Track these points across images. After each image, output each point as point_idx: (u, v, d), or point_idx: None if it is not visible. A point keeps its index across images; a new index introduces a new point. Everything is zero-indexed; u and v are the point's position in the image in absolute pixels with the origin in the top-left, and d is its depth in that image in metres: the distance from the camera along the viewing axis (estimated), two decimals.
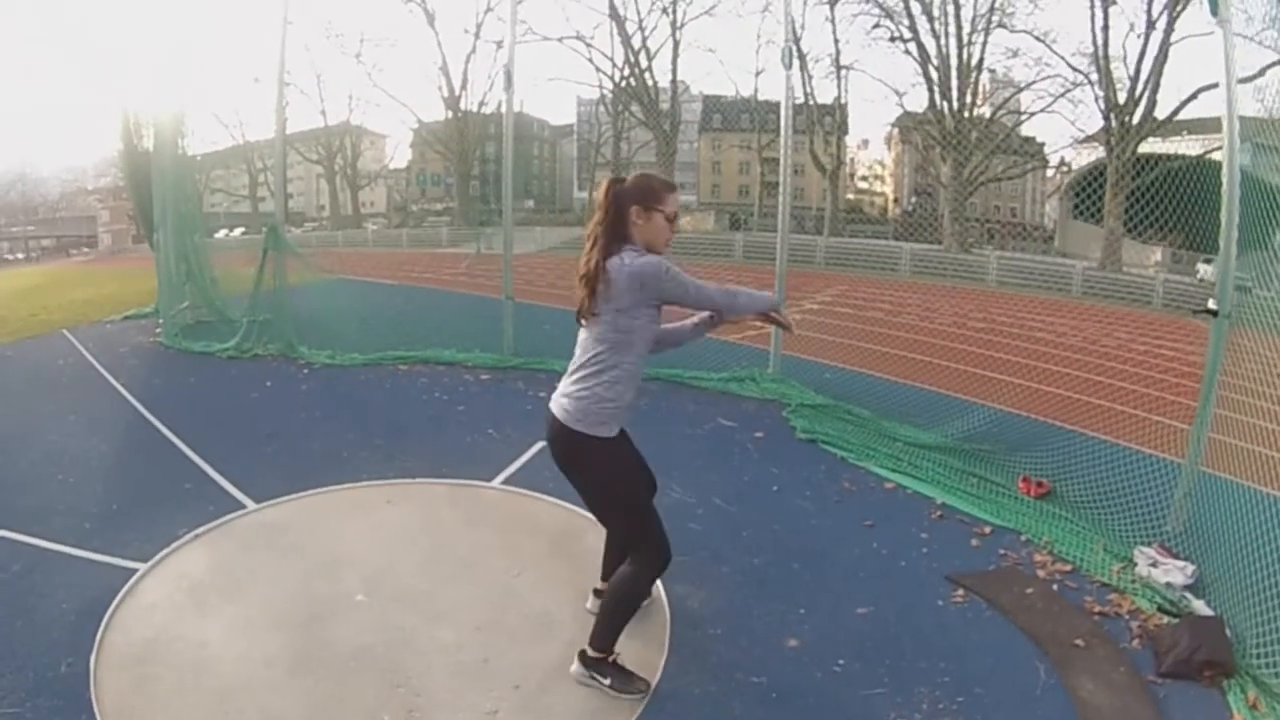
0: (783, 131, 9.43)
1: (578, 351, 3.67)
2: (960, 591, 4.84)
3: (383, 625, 4.36)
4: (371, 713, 3.69)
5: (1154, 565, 5.10)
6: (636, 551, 3.76)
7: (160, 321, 13.85)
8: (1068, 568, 5.21)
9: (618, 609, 3.79)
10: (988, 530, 5.73)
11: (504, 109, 10.79)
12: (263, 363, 11.11)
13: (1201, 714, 3.82)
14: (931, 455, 7.13)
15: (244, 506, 6.02)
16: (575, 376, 3.64)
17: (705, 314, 3.93)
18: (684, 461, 6.65)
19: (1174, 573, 4.99)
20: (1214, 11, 5.32)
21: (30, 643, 4.29)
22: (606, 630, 3.79)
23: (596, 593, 4.43)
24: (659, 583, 4.41)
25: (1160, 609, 4.66)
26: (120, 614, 4.53)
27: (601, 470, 3.68)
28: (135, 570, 5.01)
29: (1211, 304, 5.46)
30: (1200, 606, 4.67)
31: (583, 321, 3.63)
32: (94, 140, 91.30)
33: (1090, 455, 6.91)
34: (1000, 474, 6.76)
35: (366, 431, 7.86)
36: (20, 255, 75.16)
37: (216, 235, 45.86)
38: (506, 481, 6.50)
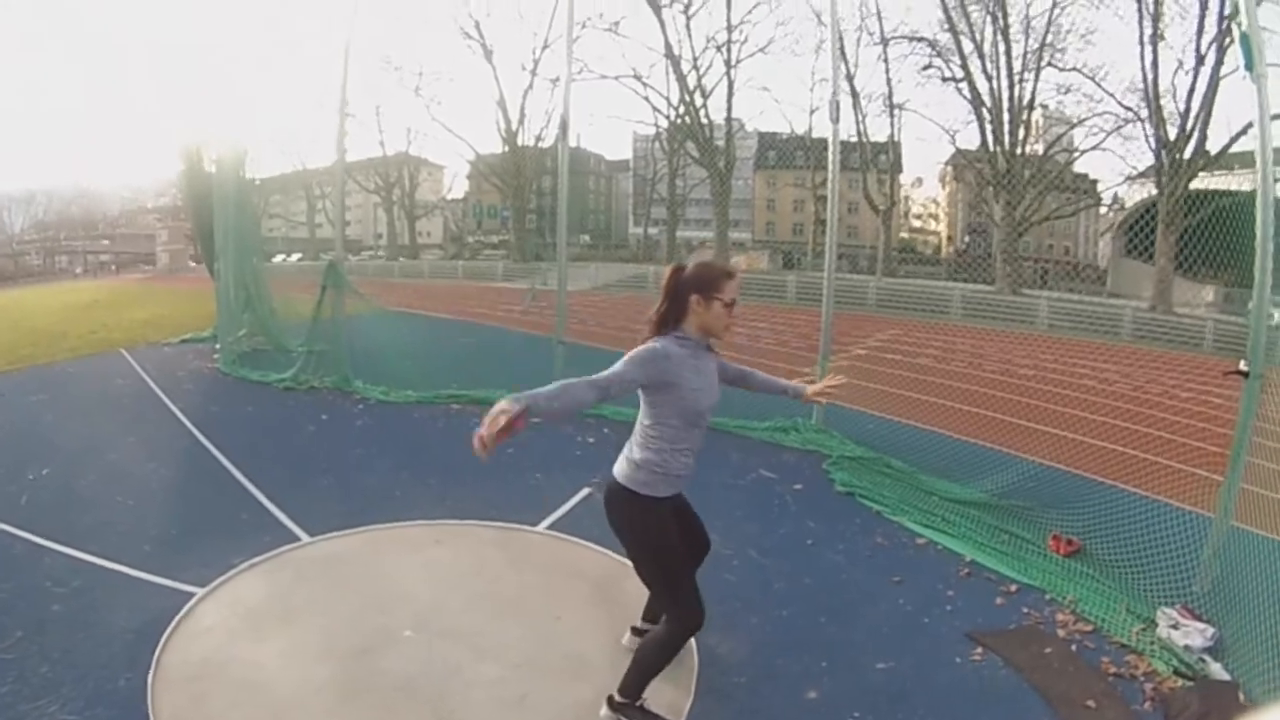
0: (830, 181, 9.60)
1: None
2: (979, 649, 4.92)
3: (429, 659, 4.58)
4: None
5: (1174, 627, 5.09)
6: (669, 613, 3.93)
7: (218, 347, 14.22)
8: (1089, 628, 5.24)
9: (647, 662, 3.95)
10: (1013, 588, 5.79)
11: (559, 154, 10.98)
12: (318, 395, 11.41)
13: None
14: (965, 511, 7.18)
15: (299, 539, 6.29)
16: (631, 439, 3.90)
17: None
18: (724, 512, 6.75)
19: (1194, 635, 4.98)
20: (1249, 67, 5.34)
21: (90, 656, 4.56)
22: (636, 680, 3.97)
23: (635, 631, 4.66)
24: (693, 640, 4.56)
25: (1176, 672, 4.66)
26: (177, 635, 4.79)
27: (639, 529, 3.85)
28: (193, 594, 5.29)
29: (1243, 365, 5.50)
30: (1217, 670, 4.67)
31: None
32: (155, 160, 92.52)
33: (1123, 510, 6.89)
34: (1031, 531, 6.77)
35: (419, 471, 8.09)
36: (80, 269, 76.34)
37: (274, 260, 46.41)
38: (551, 526, 6.71)
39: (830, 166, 9.50)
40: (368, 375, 11.76)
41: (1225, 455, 5.77)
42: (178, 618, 4.97)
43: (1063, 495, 7.46)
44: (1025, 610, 5.49)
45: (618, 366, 3.61)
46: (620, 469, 3.88)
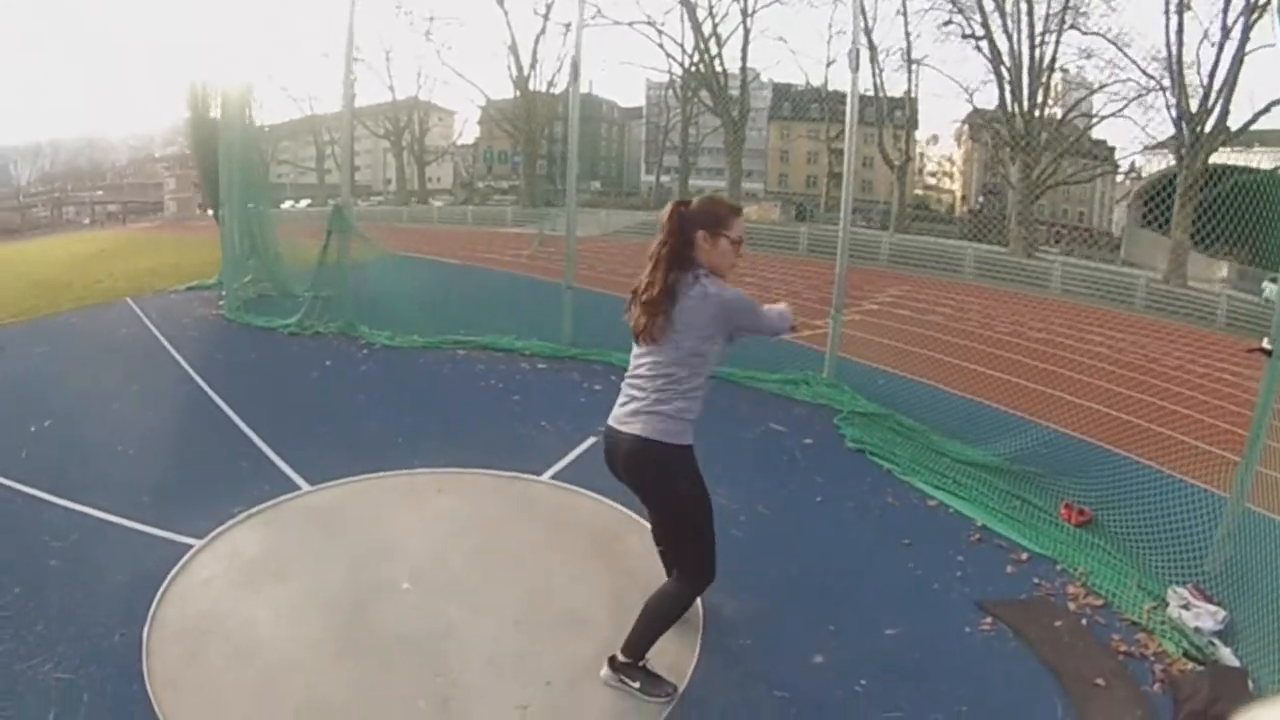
0: (848, 134, 9.40)
1: (644, 369, 3.66)
2: (989, 619, 4.81)
3: (426, 615, 4.49)
4: (409, 699, 3.82)
5: (1185, 607, 4.98)
6: (685, 569, 3.85)
7: (223, 294, 14.12)
8: (1099, 602, 5.12)
9: (655, 621, 3.84)
10: (1024, 557, 5.67)
11: (570, 98, 10.84)
12: (323, 340, 11.29)
13: None
14: (977, 474, 7.05)
15: (299, 488, 6.19)
16: (651, 392, 3.62)
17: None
18: (731, 465, 6.61)
19: (1204, 617, 4.87)
20: None
21: (87, 612, 4.47)
22: (641, 639, 3.84)
23: None
24: (699, 604, 4.50)
25: (1186, 654, 4.55)
26: (174, 588, 4.70)
27: (684, 483, 3.70)
28: (190, 546, 5.19)
29: (1267, 343, 5.36)
30: (1227, 655, 4.56)
31: (642, 342, 3.65)
32: (162, 107, 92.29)
33: (1136, 483, 6.75)
34: (1043, 498, 6.66)
35: (422, 417, 8.00)
36: (88, 220, 76.30)
37: (283, 206, 46.34)
38: (555, 476, 6.60)
39: (848, 117, 9.31)
40: (373, 320, 11.63)
41: (1239, 435, 5.66)
42: (174, 571, 4.88)
43: (1075, 463, 7.33)
44: (1036, 581, 5.38)
45: (760, 310, 3.77)
46: (652, 425, 3.60)
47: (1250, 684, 4.26)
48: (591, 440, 7.16)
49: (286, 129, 65.50)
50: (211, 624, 4.35)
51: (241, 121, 14.20)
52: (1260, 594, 4.97)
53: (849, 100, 9.27)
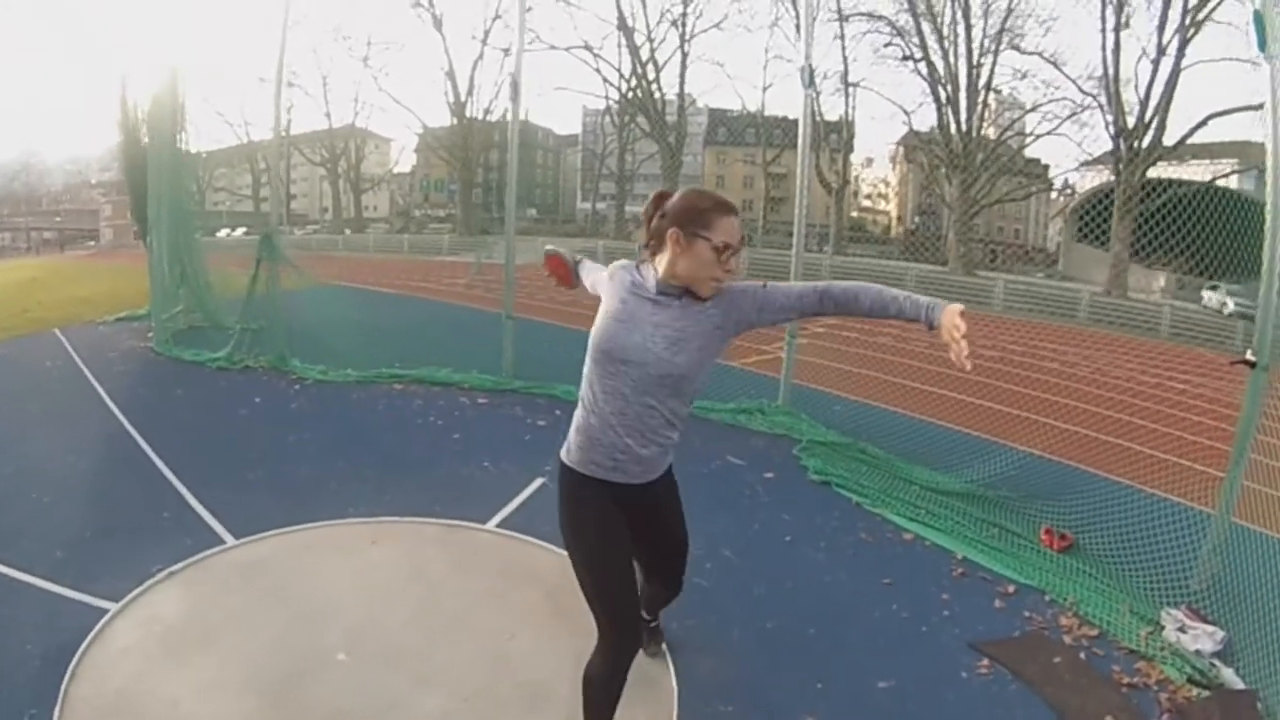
0: (800, 151, 9.16)
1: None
2: (985, 661, 4.50)
3: (364, 689, 4.01)
4: None
5: (1182, 630, 4.81)
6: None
7: (153, 325, 13.56)
8: (1094, 632, 4.90)
9: (594, 707, 3.23)
10: (1011, 589, 5.41)
11: (509, 118, 10.62)
12: (253, 376, 10.81)
13: None
14: (949, 502, 6.79)
15: (223, 541, 5.66)
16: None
17: None
18: (690, 505, 5.96)
19: (1203, 639, 4.71)
20: (1261, 46, 5.05)
21: None
22: None
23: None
24: (665, 650, 4.18)
25: (1190, 680, 4.39)
26: (88, 661, 4.19)
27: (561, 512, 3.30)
28: (106, 610, 4.67)
29: (1250, 354, 5.17)
30: (1230, 677, 4.40)
31: None
32: (99, 132, 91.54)
33: (1112, 502, 6.58)
34: (1021, 524, 6.42)
35: (357, 460, 7.50)
36: (23, 245, 75.53)
37: (219, 234, 46.02)
38: (503, 523, 6.10)
39: (801, 135, 9.04)
40: (306, 354, 11.17)
41: (1207, 446, 5.46)
42: (87, 641, 4.34)
43: (1048, 485, 7.12)
44: (1027, 614, 5.10)
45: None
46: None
47: (1259, 705, 4.12)
48: (539, 482, 6.76)
49: (223, 155, 65.26)
50: (129, 703, 3.86)
51: (171, 142, 13.61)
52: (1255, 610, 4.87)
53: (802, 118, 8.98)
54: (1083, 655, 4.64)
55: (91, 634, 4.41)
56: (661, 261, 3.00)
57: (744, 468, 7.61)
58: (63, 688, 3.93)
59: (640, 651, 3.40)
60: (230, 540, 5.68)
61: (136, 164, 15.55)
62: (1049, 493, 6.88)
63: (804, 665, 4.39)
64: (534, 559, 5.47)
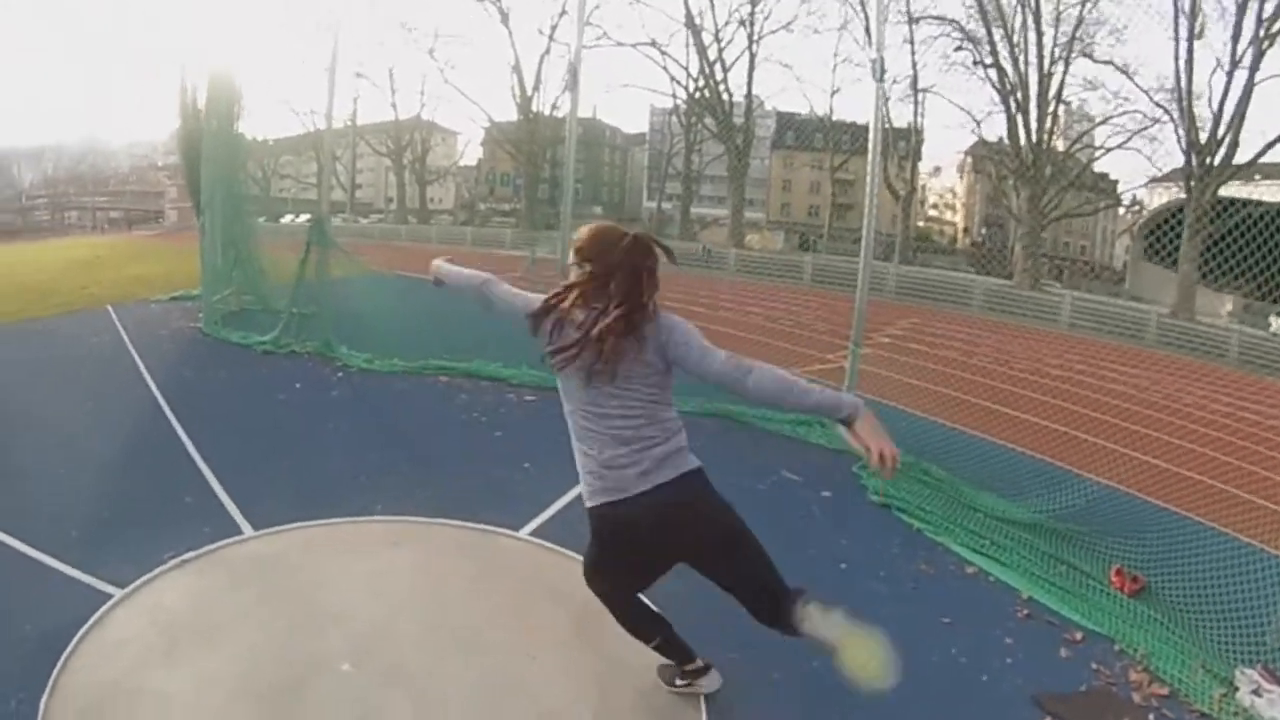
0: (871, 149, 8.62)
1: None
2: (1048, 719, 4.07)
3: (365, 706, 3.67)
4: None
5: (1257, 693, 4.33)
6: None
7: (203, 306, 13.55)
8: (1165, 691, 4.44)
9: None
10: (1078, 636, 4.94)
11: (569, 106, 10.45)
12: (297, 361, 10.65)
13: None
14: (1015, 533, 6.30)
15: (241, 531, 5.41)
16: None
17: None
18: None
19: (1279, 705, 4.23)
20: None
21: None
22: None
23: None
24: (700, 698, 3.79)
25: None
26: (83, 648, 3.96)
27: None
28: (110, 596, 4.44)
29: None
30: None
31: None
32: (164, 116, 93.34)
33: (1186, 543, 6.03)
34: (1090, 562, 5.93)
35: (391, 454, 7.22)
36: (89, 224, 77.14)
37: (283, 220, 46.48)
38: (536, 531, 5.72)
39: (872, 133, 8.61)
40: (354, 341, 10.96)
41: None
42: (85, 627, 4.10)
43: (1120, 521, 6.59)
44: (1095, 666, 4.64)
45: None
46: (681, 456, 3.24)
47: None
48: (580, 488, 6.32)
49: (290, 144, 65.59)
50: (120, 698, 3.60)
51: (228, 127, 13.63)
52: None
53: (873, 114, 8.55)
54: (1152, 717, 4.22)
55: (90, 620, 4.19)
56: None
57: (800, 484, 7.18)
58: (53, 675, 3.73)
59: (667, 688, 3.76)
60: (248, 531, 5.43)
61: (194, 148, 15.60)
62: (1120, 528, 6.37)
63: (854, 713, 3.96)
64: (565, 572, 4.95)
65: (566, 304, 3.10)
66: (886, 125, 46.71)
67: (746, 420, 8.64)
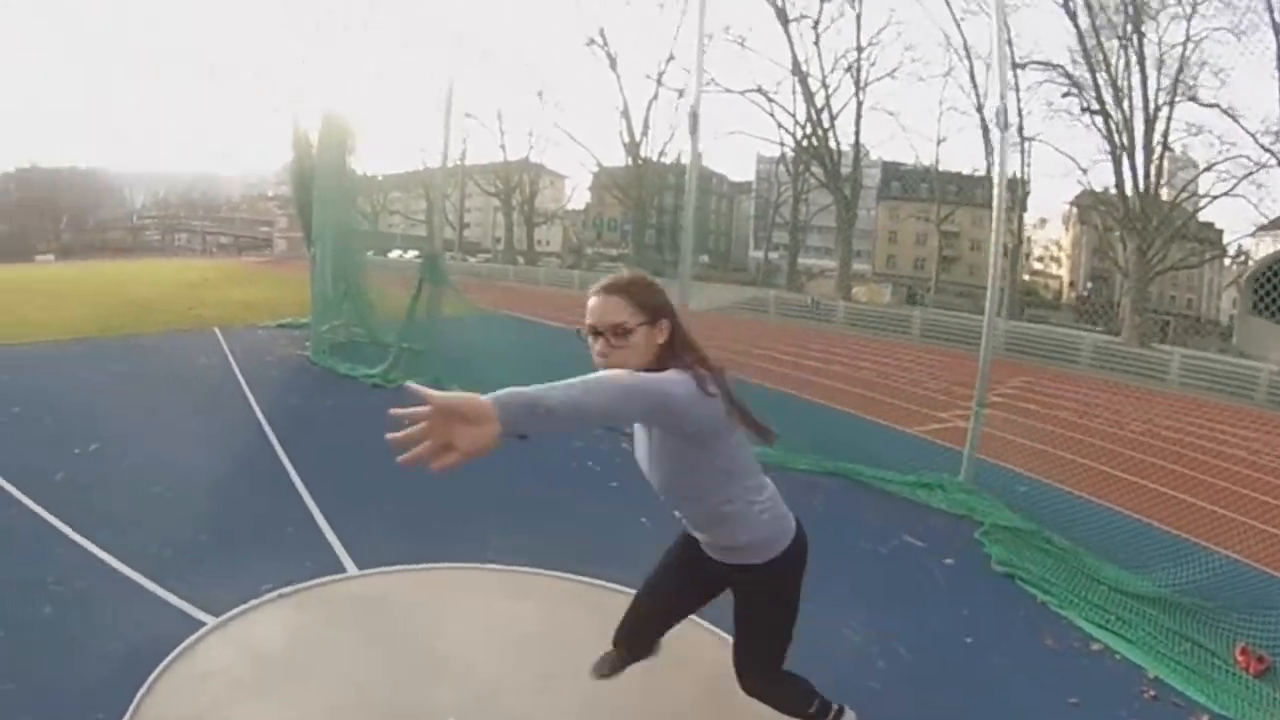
0: (996, 201, 8.47)
1: None
2: None
3: None
4: None
5: None
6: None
7: (311, 335, 13.75)
8: None
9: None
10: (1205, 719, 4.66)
11: (690, 150, 10.33)
12: (405, 396, 10.43)
13: None
14: (1139, 607, 5.98)
15: (344, 569, 5.31)
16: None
17: None
18: (865, 590, 5.59)
19: None
20: None
21: (68, 679, 3.86)
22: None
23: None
24: None
25: None
26: (170, 675, 3.87)
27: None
28: (202, 624, 4.36)
29: None
30: None
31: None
32: (278, 149, 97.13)
33: None
34: (1214, 639, 5.59)
35: (502, 499, 7.02)
36: (198, 247, 79.87)
37: (390, 255, 47.40)
38: None
39: (997, 183, 8.44)
40: (464, 380, 10.63)
41: None
42: (173, 654, 4.01)
43: (1245, 596, 6.21)
44: None
45: None
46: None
47: None
48: None
49: (397, 180, 66.87)
50: None
51: (339, 163, 13.99)
52: None
53: (998, 165, 8.37)
54: None
55: (180, 647, 4.12)
56: None
57: (923, 550, 6.87)
58: (135, 700, 3.64)
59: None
60: (352, 568, 5.33)
61: (305, 180, 15.90)
62: (1246, 605, 5.99)
63: None
64: (693, 639, 4.59)
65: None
66: (1002, 168, 46.19)
67: (865, 481, 8.36)
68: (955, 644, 5.24)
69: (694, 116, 9.96)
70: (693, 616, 4.78)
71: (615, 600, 4.98)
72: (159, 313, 17.48)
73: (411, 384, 2.07)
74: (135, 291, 22.53)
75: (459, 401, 1.95)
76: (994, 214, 8.42)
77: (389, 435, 1.96)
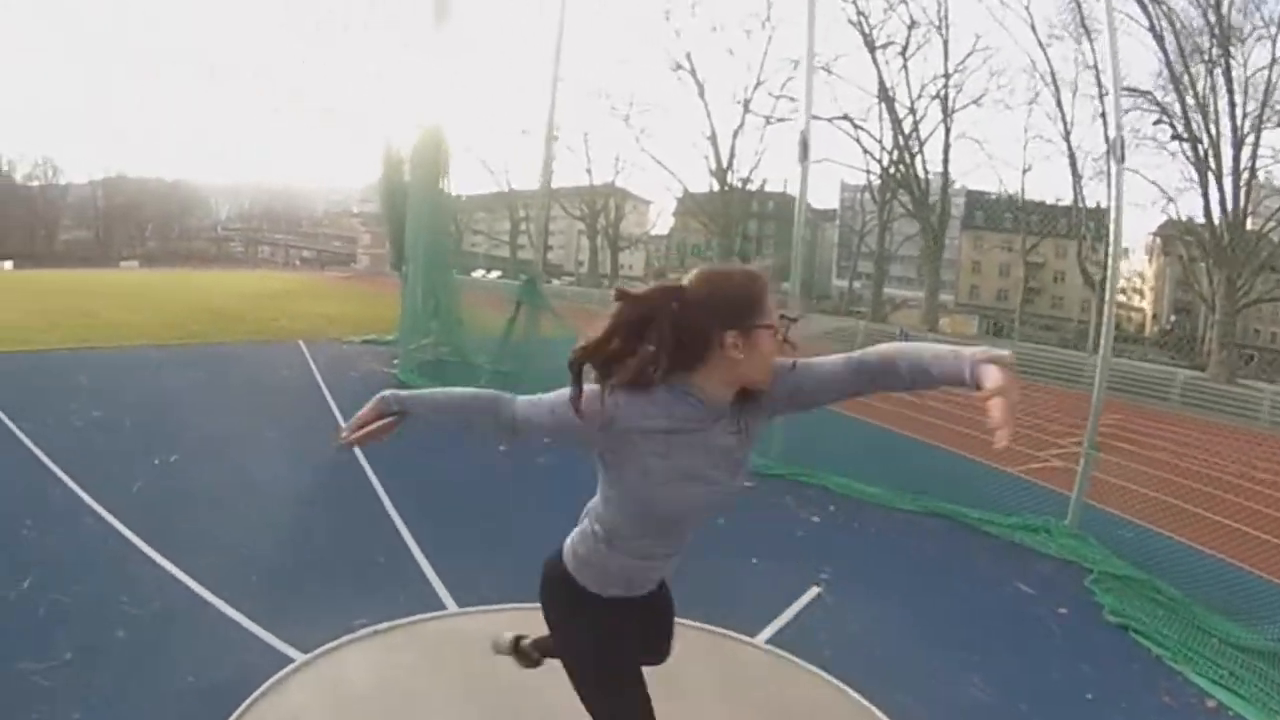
0: (1111, 235, 8.24)
1: None
2: None
3: None
4: None
5: None
6: None
7: (399, 352, 13.77)
8: None
9: None
10: None
11: (799, 178, 10.27)
12: None
13: None
14: (1251, 662, 5.74)
15: (443, 605, 5.13)
16: None
17: None
18: (982, 640, 5.39)
19: None
20: None
21: (135, 712, 3.67)
22: None
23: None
24: None
25: None
26: (255, 713, 3.70)
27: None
28: (290, 660, 4.20)
29: None
30: None
31: None
32: (363, 166, 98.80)
33: None
34: None
35: None
36: (280, 260, 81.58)
37: (473, 274, 47.97)
38: (773, 639, 5.15)
39: (1112, 218, 8.14)
40: None
41: None
42: (257, 693, 3.84)
43: None
44: None
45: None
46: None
47: None
48: (815, 592, 5.86)
49: (482, 201, 67.63)
50: None
51: (433, 183, 14.03)
52: None
53: (1112, 199, 8.10)
54: None
55: (266, 684, 3.94)
56: (708, 376, 2.20)
57: (1035, 598, 6.58)
58: None
59: None
60: (451, 605, 5.15)
61: (395, 199, 16.01)
62: None
63: None
64: (813, 690, 4.45)
65: None
66: (1081, 205, 45.50)
67: (970, 522, 8.08)
68: (1077, 701, 5.02)
69: (804, 144, 9.82)
70: (811, 666, 4.65)
71: (732, 650, 4.89)
72: (241, 322, 17.73)
73: None
74: (218, 300, 22.85)
75: None
76: (1108, 248, 8.26)
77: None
